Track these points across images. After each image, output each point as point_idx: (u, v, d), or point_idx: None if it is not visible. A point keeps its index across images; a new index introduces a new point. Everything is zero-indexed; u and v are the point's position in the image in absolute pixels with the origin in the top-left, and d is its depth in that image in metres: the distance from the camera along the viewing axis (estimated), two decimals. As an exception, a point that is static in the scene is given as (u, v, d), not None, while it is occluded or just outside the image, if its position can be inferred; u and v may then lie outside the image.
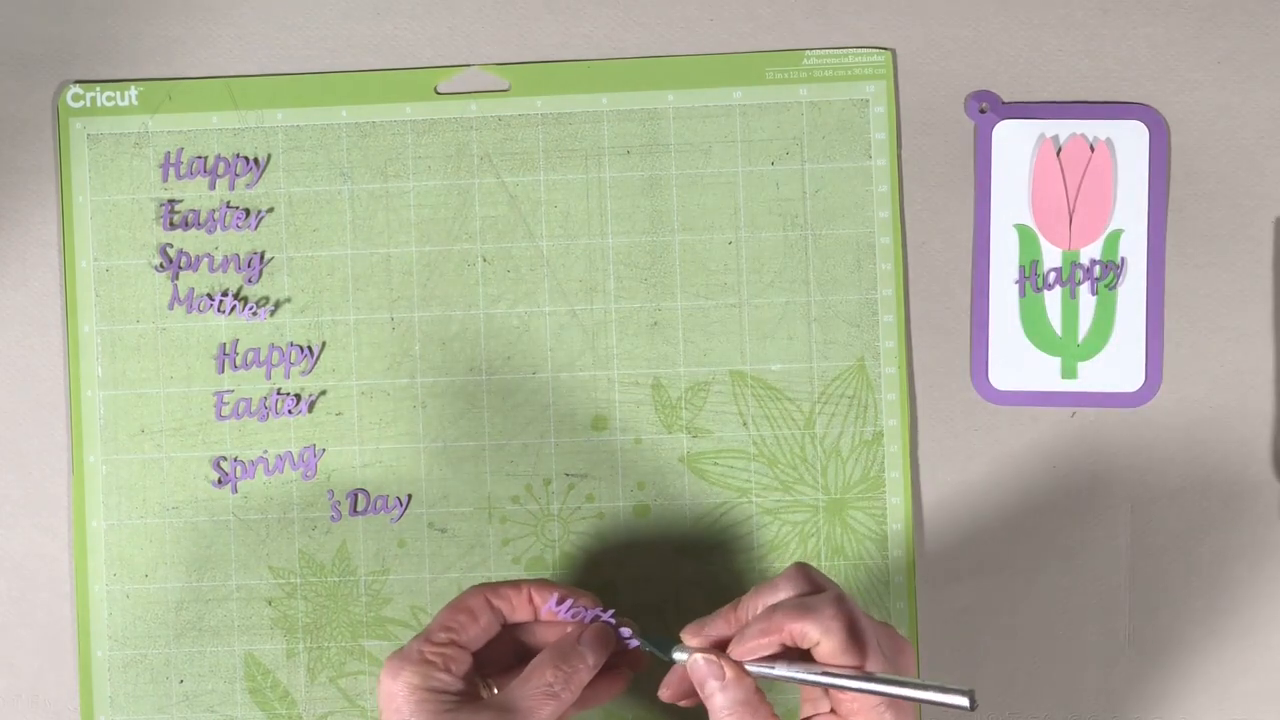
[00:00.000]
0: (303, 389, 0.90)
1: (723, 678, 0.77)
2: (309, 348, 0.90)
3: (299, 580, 0.89)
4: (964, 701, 0.72)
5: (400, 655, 0.79)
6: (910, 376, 0.89)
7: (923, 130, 0.89)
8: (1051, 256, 0.88)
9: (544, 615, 0.82)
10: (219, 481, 0.89)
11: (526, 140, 0.89)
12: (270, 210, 0.90)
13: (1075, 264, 0.88)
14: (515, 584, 0.82)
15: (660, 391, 0.89)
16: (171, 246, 0.90)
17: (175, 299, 0.90)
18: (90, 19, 0.90)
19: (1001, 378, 0.89)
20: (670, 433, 0.89)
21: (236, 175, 0.90)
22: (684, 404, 0.89)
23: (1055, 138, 0.88)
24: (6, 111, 0.90)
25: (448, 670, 0.79)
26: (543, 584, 0.82)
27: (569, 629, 0.82)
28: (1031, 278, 0.88)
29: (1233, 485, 0.88)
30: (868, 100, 0.89)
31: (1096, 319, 0.89)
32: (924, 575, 0.88)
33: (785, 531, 0.89)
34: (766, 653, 0.77)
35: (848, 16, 0.89)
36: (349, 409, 0.89)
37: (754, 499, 0.89)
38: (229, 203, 0.90)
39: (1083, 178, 0.88)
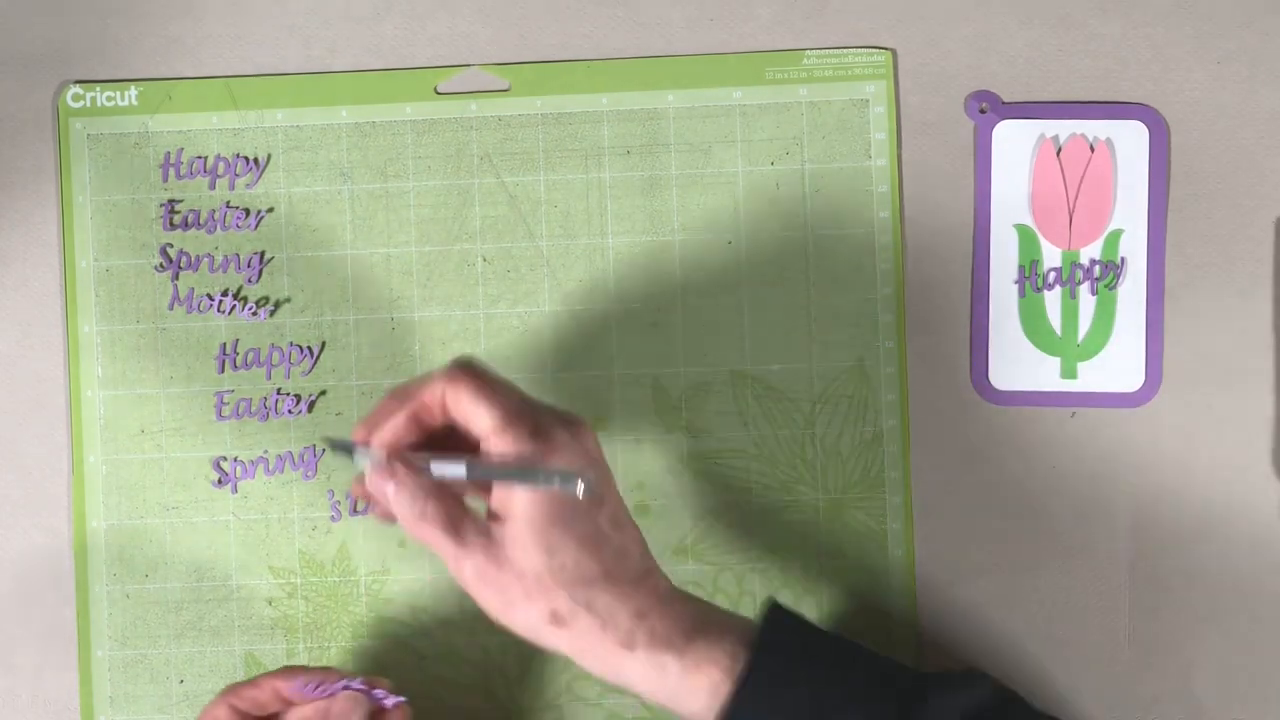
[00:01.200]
0: (303, 389, 0.90)
1: (394, 478, 0.77)
2: (309, 348, 0.90)
3: (299, 580, 0.89)
4: (579, 486, 0.74)
5: None
6: (910, 376, 0.89)
7: (923, 130, 0.89)
8: (1051, 256, 0.88)
9: (293, 698, 0.81)
10: (219, 481, 0.90)
11: (526, 140, 0.89)
12: (270, 210, 0.90)
13: (1075, 264, 0.88)
14: (255, 682, 0.82)
15: (660, 391, 0.89)
16: (172, 246, 0.90)
17: (175, 299, 0.90)
18: (90, 19, 0.90)
19: (1001, 378, 0.89)
20: (670, 433, 0.89)
21: (236, 175, 0.90)
22: (684, 404, 0.89)
23: (1055, 138, 0.88)
24: (6, 111, 0.90)
25: None
26: (286, 672, 0.82)
27: (320, 704, 0.81)
28: (1031, 278, 0.88)
29: (1233, 485, 0.88)
30: (868, 100, 0.89)
31: (1096, 319, 0.89)
32: (924, 575, 0.88)
33: (785, 531, 0.89)
34: (404, 433, 0.77)
35: (847, 16, 0.89)
36: (349, 409, 0.89)
37: (754, 499, 0.89)
38: (229, 203, 0.90)
39: (1083, 178, 0.88)
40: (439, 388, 0.77)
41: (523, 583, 0.76)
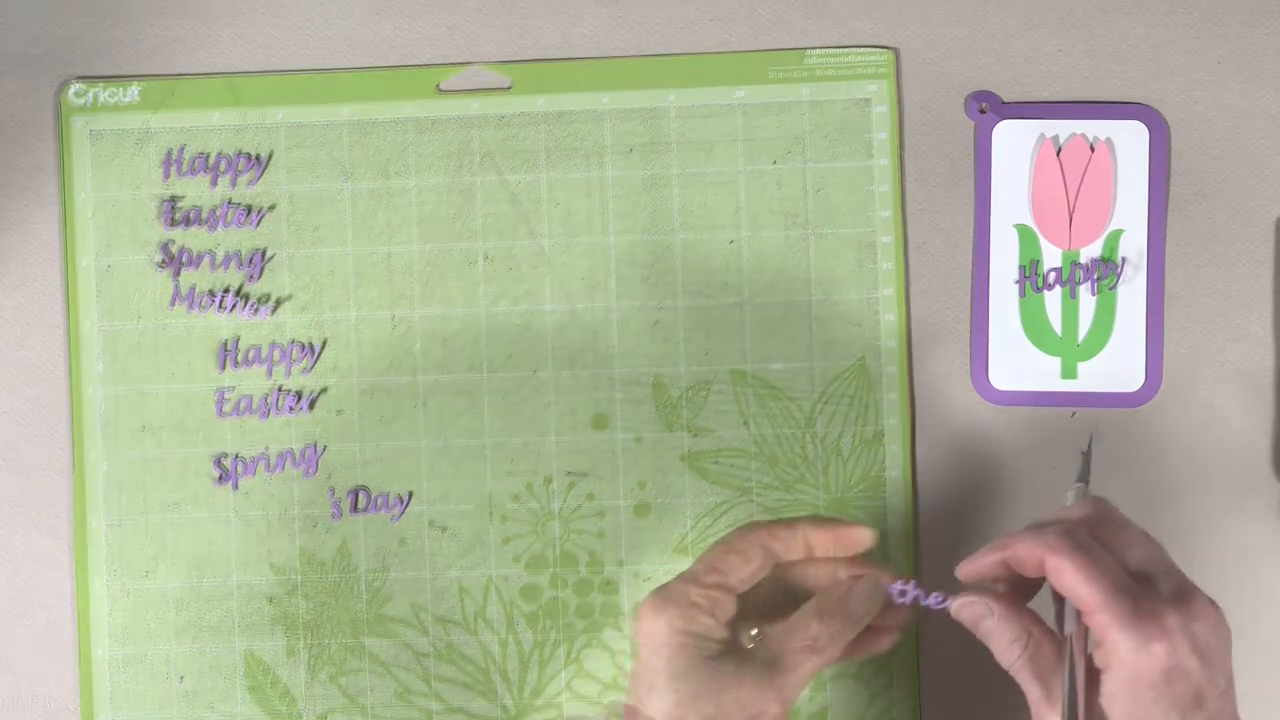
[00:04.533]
0: (304, 387, 0.90)
1: (990, 615, 0.76)
2: (310, 345, 0.90)
3: (299, 578, 0.89)
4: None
5: (664, 594, 0.76)
6: (910, 376, 0.89)
7: (923, 130, 0.89)
8: (1051, 256, 0.89)
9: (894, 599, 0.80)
10: (220, 479, 0.89)
11: (528, 138, 0.89)
12: (272, 208, 0.90)
13: (1075, 264, 0.88)
14: (790, 524, 0.79)
15: (661, 390, 0.89)
16: (173, 244, 0.90)
17: (176, 296, 0.90)
18: (92, 16, 0.90)
19: (1001, 378, 0.89)
20: (671, 431, 0.89)
21: (238, 173, 0.90)
22: (685, 403, 0.89)
23: (1055, 138, 0.89)
24: (8, 108, 0.90)
25: (712, 614, 0.76)
26: (816, 522, 0.80)
27: (838, 574, 0.79)
28: (1031, 278, 0.89)
29: (1233, 485, 0.88)
30: (869, 99, 0.89)
31: (1096, 319, 0.89)
32: (924, 575, 0.88)
33: (786, 530, 0.89)
34: (988, 574, 0.76)
35: (848, 16, 0.89)
36: (350, 407, 0.89)
37: (755, 498, 0.89)
38: (230, 200, 0.90)
39: (1083, 178, 0.88)
40: (1038, 552, 0.74)
41: None
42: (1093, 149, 0.88)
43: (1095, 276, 0.88)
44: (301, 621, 0.89)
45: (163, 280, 0.90)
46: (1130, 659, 0.72)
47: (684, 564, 0.88)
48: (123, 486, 0.89)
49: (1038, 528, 0.75)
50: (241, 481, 0.89)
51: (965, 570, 0.77)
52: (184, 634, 0.89)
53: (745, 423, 0.89)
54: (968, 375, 0.89)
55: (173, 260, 0.90)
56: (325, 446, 0.89)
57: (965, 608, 0.77)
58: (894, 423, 0.89)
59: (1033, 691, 0.75)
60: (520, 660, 0.89)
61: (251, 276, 0.90)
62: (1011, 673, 0.76)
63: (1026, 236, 0.89)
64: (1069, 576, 0.73)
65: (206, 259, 0.90)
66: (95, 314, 0.90)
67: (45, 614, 0.90)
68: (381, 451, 0.89)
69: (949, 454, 0.89)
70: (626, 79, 0.89)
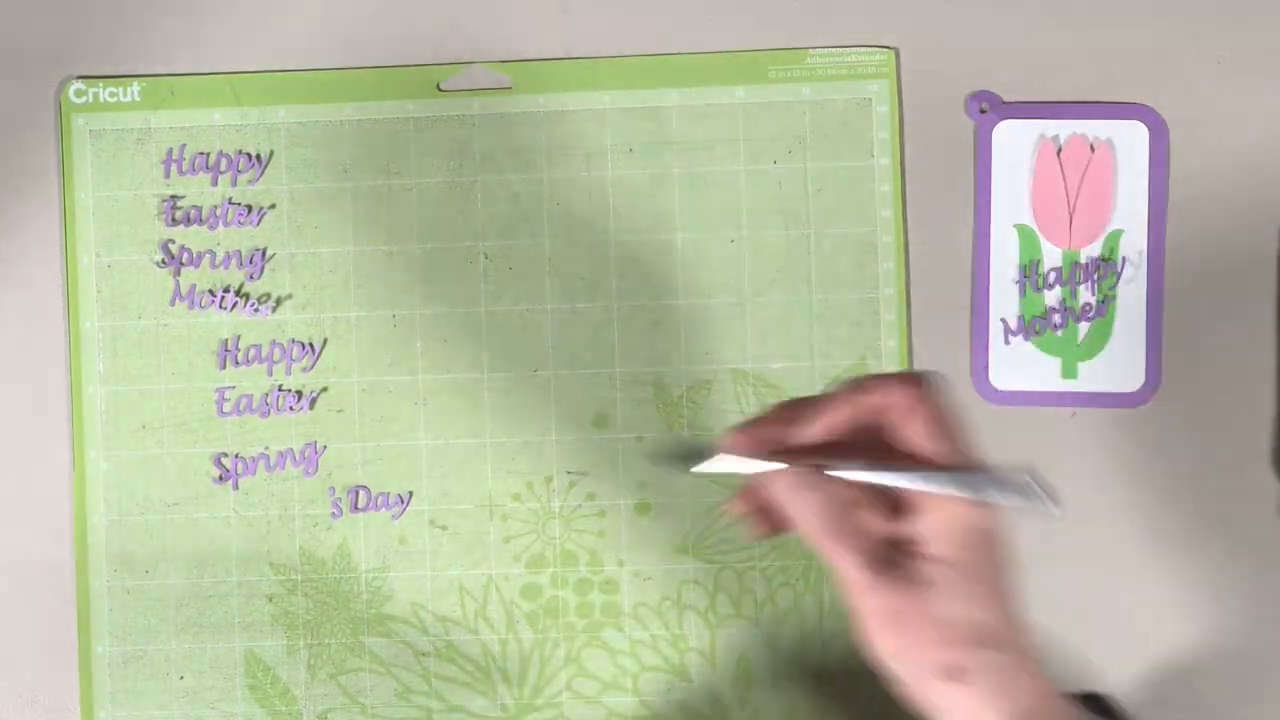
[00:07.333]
0: (304, 385, 0.90)
1: (808, 486, 0.66)
2: (310, 344, 0.90)
3: (299, 577, 0.89)
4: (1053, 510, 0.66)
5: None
6: (911, 376, 0.89)
7: (923, 130, 0.89)
8: (1052, 256, 0.89)
9: None
10: (220, 478, 0.89)
11: (529, 138, 0.89)
12: (272, 207, 0.90)
13: (1075, 264, 0.89)
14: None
15: (662, 389, 0.89)
16: (173, 243, 0.90)
17: (177, 295, 0.90)
18: (93, 15, 0.90)
19: (1001, 378, 0.89)
20: (672, 431, 0.89)
21: (239, 172, 0.90)
22: (685, 402, 0.89)
23: (1055, 138, 0.89)
24: (8, 107, 0.90)
25: None
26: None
27: None
28: (1032, 277, 0.89)
29: (1233, 485, 0.88)
30: (870, 99, 0.89)
31: (1096, 319, 0.89)
32: (924, 575, 0.89)
33: (786, 530, 0.89)
34: (839, 431, 0.67)
35: (848, 16, 0.89)
36: (350, 406, 0.89)
37: (755, 497, 0.89)
38: (231, 199, 0.90)
39: (1083, 178, 0.89)
40: (905, 391, 0.67)
41: (939, 631, 0.66)
42: (1093, 149, 0.88)
43: (1095, 276, 0.88)
44: (301, 620, 0.89)
45: (163, 279, 0.90)
46: (960, 509, 0.67)
47: (685, 564, 0.88)
48: (123, 485, 0.89)
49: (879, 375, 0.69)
50: (241, 480, 0.89)
51: (821, 423, 0.67)
52: (184, 633, 0.89)
53: (745, 422, 0.89)
54: (968, 375, 0.89)
55: (173, 259, 0.90)
56: (325, 445, 0.89)
57: (787, 487, 0.67)
58: (894, 422, 0.89)
59: (853, 566, 0.67)
60: (520, 659, 0.89)
61: (252, 275, 0.90)
62: (825, 550, 0.67)
63: (1026, 236, 0.89)
64: (932, 425, 0.67)
65: (207, 258, 0.90)
66: (96, 313, 0.90)
67: (45, 612, 0.90)
68: (382, 450, 0.89)
69: (949, 454, 0.89)
70: (627, 79, 0.89)
